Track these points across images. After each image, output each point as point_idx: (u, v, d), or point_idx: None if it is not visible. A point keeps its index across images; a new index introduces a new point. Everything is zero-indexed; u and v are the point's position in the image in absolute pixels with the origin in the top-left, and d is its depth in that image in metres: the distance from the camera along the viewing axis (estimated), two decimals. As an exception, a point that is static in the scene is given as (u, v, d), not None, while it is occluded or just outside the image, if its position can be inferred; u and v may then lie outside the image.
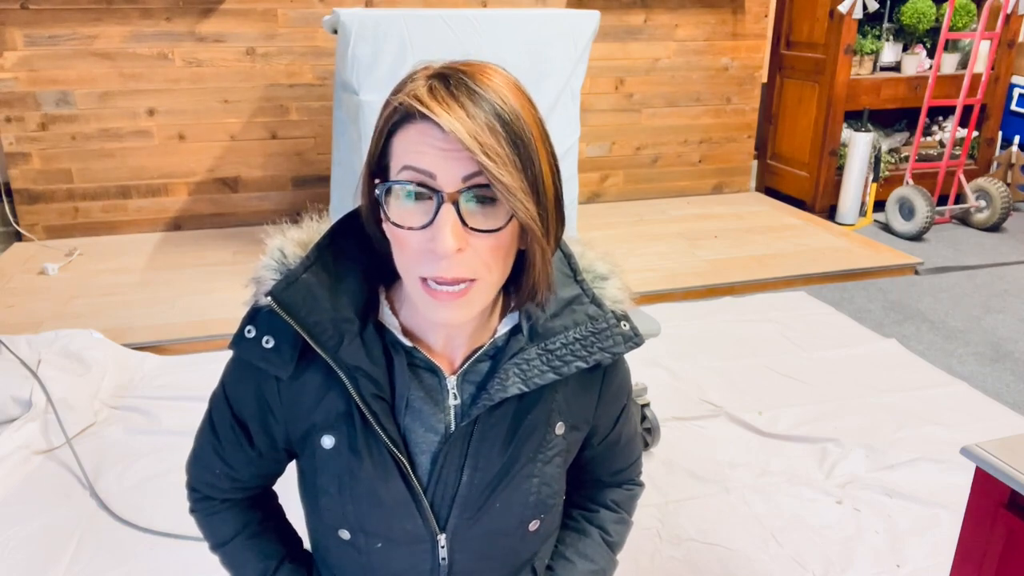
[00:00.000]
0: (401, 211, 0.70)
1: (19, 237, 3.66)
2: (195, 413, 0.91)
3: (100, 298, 3.01)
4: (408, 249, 0.70)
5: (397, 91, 0.70)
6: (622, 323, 0.84)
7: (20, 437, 2.07)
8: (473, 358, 0.81)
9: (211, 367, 0.88)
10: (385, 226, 0.74)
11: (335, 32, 2.83)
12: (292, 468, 0.92)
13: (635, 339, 0.84)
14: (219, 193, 3.85)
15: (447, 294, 0.70)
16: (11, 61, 3.43)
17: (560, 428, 0.85)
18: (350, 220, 0.81)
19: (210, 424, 0.89)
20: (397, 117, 0.69)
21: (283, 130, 3.82)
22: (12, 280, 3.18)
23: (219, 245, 3.63)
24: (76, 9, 3.42)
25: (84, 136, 3.60)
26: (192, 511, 0.95)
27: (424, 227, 0.68)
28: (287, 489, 0.97)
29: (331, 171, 3.28)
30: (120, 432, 2.19)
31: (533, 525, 0.86)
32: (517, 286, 0.79)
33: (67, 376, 2.29)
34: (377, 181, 0.73)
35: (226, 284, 3.09)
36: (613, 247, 3.66)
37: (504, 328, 0.82)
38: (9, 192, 3.63)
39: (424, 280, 0.71)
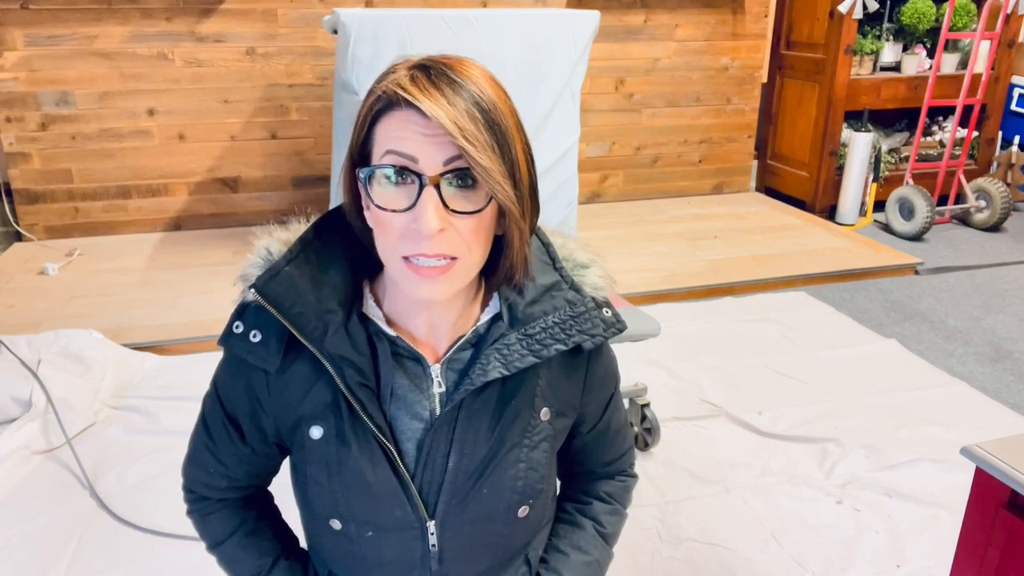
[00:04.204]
0: (384, 195, 0.72)
1: (19, 237, 3.66)
2: (195, 413, 0.92)
3: (100, 298, 3.01)
4: (391, 231, 0.72)
5: (379, 81, 0.73)
6: (603, 309, 0.86)
7: (20, 437, 2.07)
8: (456, 346, 0.83)
9: (211, 367, 0.89)
10: (367, 213, 0.76)
11: (335, 32, 2.83)
12: (286, 468, 0.92)
13: (617, 325, 0.86)
14: (219, 193, 3.85)
15: (430, 269, 0.72)
16: (11, 61, 3.43)
17: (545, 414, 0.86)
18: (334, 215, 0.83)
19: (203, 424, 0.90)
20: (380, 105, 0.72)
21: (283, 130, 3.82)
22: (12, 280, 3.18)
23: (219, 245, 3.63)
24: (76, 9, 3.43)
25: (84, 136, 3.60)
26: (188, 512, 0.96)
27: (407, 209, 0.71)
28: (283, 490, 0.97)
29: (331, 171, 3.28)
30: (120, 432, 2.19)
31: (522, 511, 0.87)
32: (495, 270, 0.81)
33: (67, 376, 2.29)
34: (362, 168, 0.75)
35: (226, 284, 3.08)
36: (613, 247, 3.66)
37: (486, 316, 0.84)
38: (9, 192, 3.63)
39: (407, 259, 0.73)
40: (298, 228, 0.83)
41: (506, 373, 0.80)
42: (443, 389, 0.83)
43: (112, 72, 3.55)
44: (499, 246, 0.79)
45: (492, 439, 0.83)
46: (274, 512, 1.01)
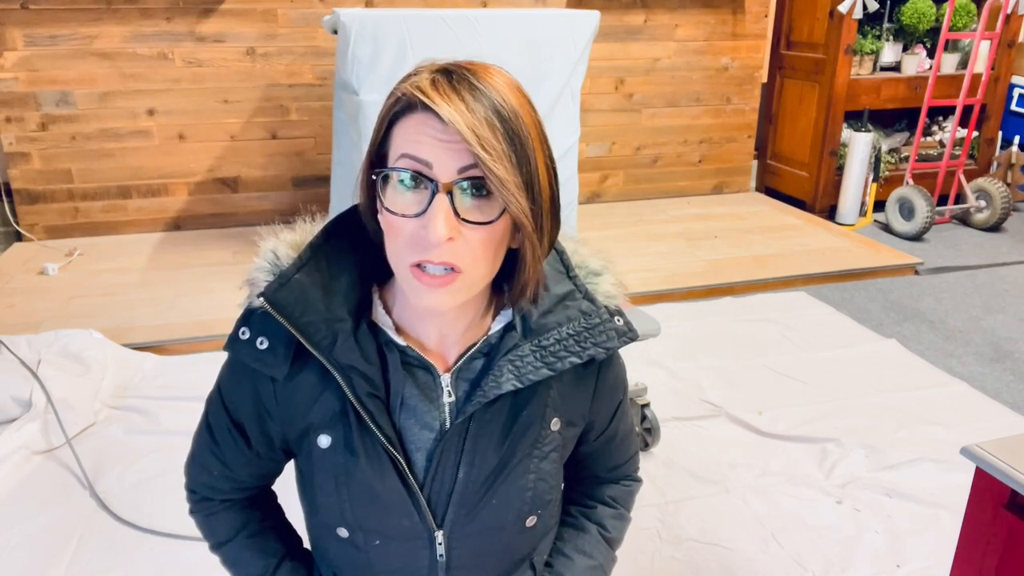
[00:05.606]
0: (396, 198, 0.71)
1: (19, 237, 3.66)
2: (195, 413, 0.91)
3: (100, 298, 3.01)
4: (401, 236, 0.71)
5: (401, 83, 0.72)
6: (615, 318, 0.84)
7: (20, 437, 2.07)
8: (467, 355, 0.82)
9: (211, 367, 0.88)
10: (381, 216, 0.75)
11: (335, 32, 2.83)
12: (290, 467, 0.92)
13: (629, 334, 0.85)
14: (219, 193, 3.85)
15: (434, 278, 0.71)
16: (11, 61, 3.43)
17: (556, 424, 0.85)
18: (344, 219, 0.82)
19: (207, 427, 0.89)
20: (399, 107, 0.71)
21: (283, 130, 3.82)
22: (12, 280, 3.18)
23: (219, 245, 3.63)
24: (76, 9, 3.42)
25: (84, 136, 3.60)
26: (192, 512, 0.95)
27: (418, 215, 0.70)
28: (286, 489, 0.97)
29: (331, 171, 3.28)
30: (120, 432, 2.19)
31: (530, 521, 0.86)
32: (509, 284, 0.80)
33: (67, 376, 2.29)
34: (376, 170, 0.74)
35: (226, 284, 3.09)
36: (613, 247, 3.65)
37: (497, 326, 0.83)
38: (9, 192, 3.63)
39: (413, 267, 0.71)
40: (304, 229, 0.82)
41: (520, 386, 0.79)
42: (453, 399, 0.82)
43: (112, 72, 3.55)
44: (514, 259, 0.77)
45: (503, 450, 0.82)
46: (278, 512, 1.00)
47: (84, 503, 1.91)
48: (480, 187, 0.69)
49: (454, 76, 0.69)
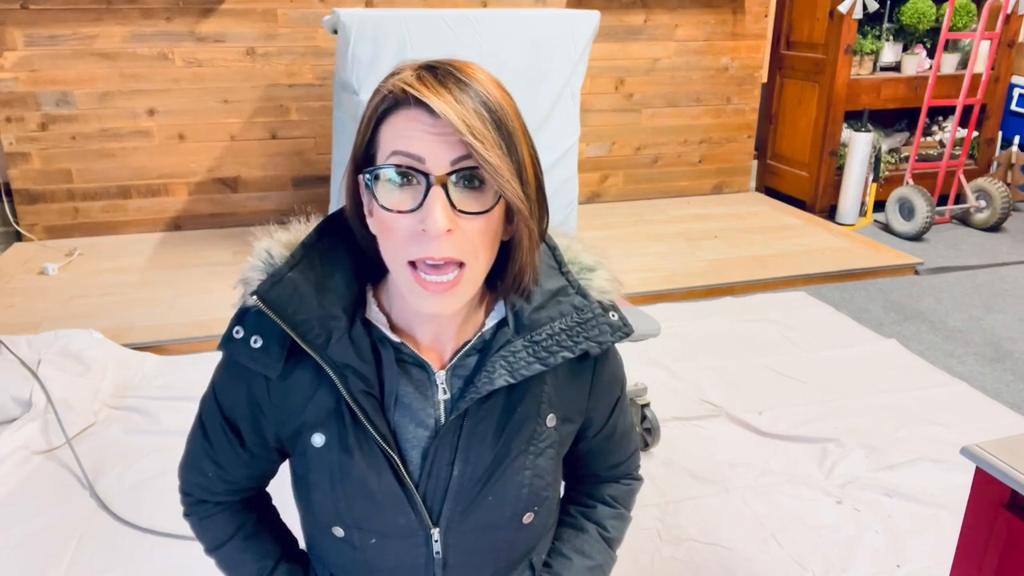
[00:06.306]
0: (390, 196, 0.71)
1: (19, 237, 3.66)
2: (194, 413, 0.91)
3: (100, 298, 3.01)
4: (397, 234, 0.71)
5: (385, 81, 0.72)
6: (610, 313, 0.84)
7: (20, 437, 2.07)
8: (461, 352, 0.82)
9: (211, 367, 0.88)
10: (371, 219, 0.75)
11: (335, 32, 2.83)
12: (285, 468, 0.92)
13: (623, 329, 0.85)
14: (219, 193, 3.85)
15: (437, 284, 0.71)
16: (11, 61, 3.43)
17: (551, 420, 0.85)
18: (337, 218, 0.82)
19: (201, 427, 0.89)
20: (386, 105, 0.71)
21: (283, 130, 3.82)
22: (12, 280, 3.18)
23: (219, 245, 3.63)
24: (76, 9, 3.42)
25: (84, 136, 3.60)
26: (186, 515, 0.95)
27: (414, 210, 0.70)
28: (282, 490, 0.97)
29: (331, 171, 3.29)
30: (120, 432, 2.19)
31: (527, 518, 0.86)
32: (503, 277, 0.80)
33: (67, 376, 2.29)
34: (367, 169, 0.73)
35: (226, 284, 3.08)
36: (613, 247, 3.65)
37: (491, 322, 0.83)
38: (9, 192, 3.63)
39: (413, 267, 0.71)
40: (299, 229, 0.81)
41: (512, 381, 0.79)
42: (448, 396, 0.82)
43: (112, 72, 3.55)
44: (504, 253, 0.78)
45: (497, 447, 0.82)
46: (273, 513, 1.00)
47: (84, 503, 1.91)
48: (473, 178, 0.70)
49: (438, 72, 0.70)
